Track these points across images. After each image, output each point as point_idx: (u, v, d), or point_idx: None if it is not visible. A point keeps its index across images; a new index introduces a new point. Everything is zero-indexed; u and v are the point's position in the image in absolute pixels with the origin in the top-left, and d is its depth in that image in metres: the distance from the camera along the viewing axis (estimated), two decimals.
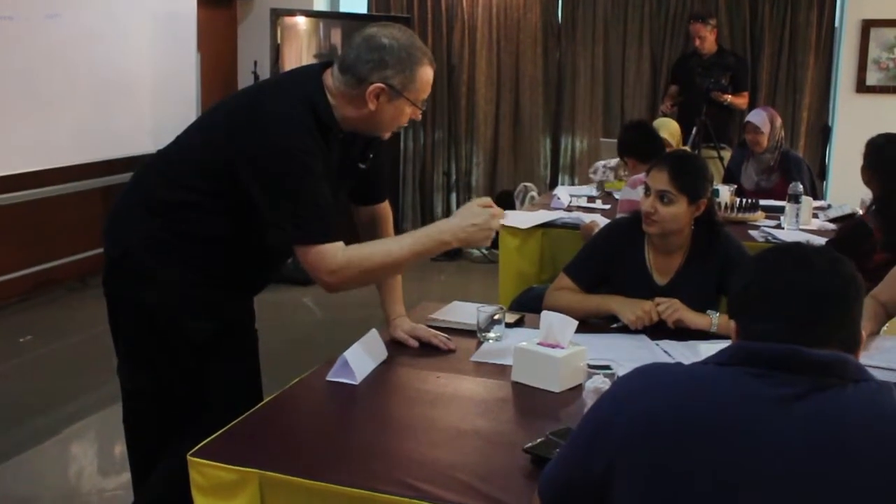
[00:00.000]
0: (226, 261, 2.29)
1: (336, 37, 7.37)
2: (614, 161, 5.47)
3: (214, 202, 2.23)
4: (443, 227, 2.24)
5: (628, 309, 2.68)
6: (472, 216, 2.22)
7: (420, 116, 2.30)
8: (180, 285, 2.29)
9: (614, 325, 2.72)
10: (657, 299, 2.68)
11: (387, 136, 2.34)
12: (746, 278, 1.41)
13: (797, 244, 1.44)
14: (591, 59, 7.55)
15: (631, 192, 4.05)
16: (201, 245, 2.28)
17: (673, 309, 2.64)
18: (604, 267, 2.92)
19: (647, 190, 2.82)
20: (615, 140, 5.03)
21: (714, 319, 2.63)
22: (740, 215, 4.63)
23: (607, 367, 2.05)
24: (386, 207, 2.63)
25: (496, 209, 2.23)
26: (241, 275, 2.35)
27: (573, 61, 7.61)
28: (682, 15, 7.29)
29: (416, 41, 2.22)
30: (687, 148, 5.60)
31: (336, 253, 2.14)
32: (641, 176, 3.43)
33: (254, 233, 2.23)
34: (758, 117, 5.39)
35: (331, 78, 2.23)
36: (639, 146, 4.59)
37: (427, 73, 2.22)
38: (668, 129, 5.34)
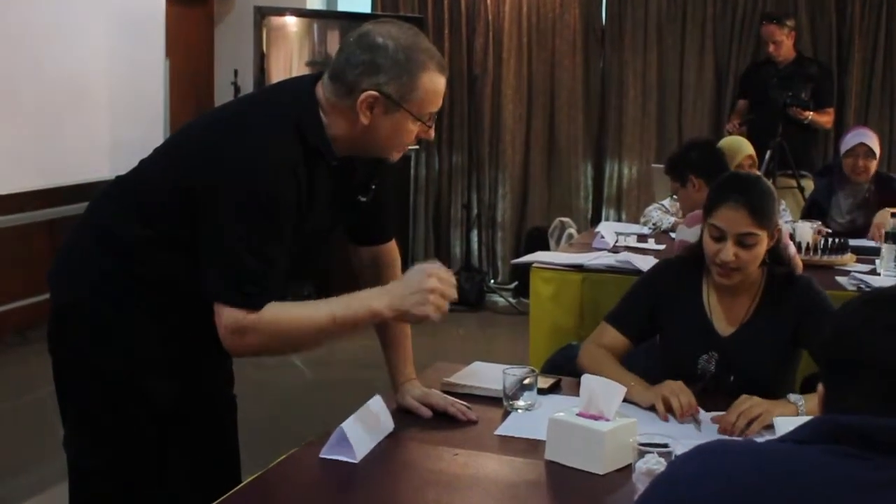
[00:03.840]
0: (196, 311, 2.29)
1: (333, 41, 7.43)
2: (668, 200, 5.44)
3: (182, 241, 2.24)
4: (374, 291, 2.24)
5: (641, 397, 2.57)
6: (405, 279, 2.23)
7: (431, 135, 2.29)
8: (141, 340, 2.30)
9: None
10: (734, 407, 2.46)
11: (395, 157, 2.34)
12: (841, 330, 1.39)
13: None
14: (643, 68, 7.60)
15: (687, 231, 4.03)
16: (167, 291, 2.29)
17: (750, 415, 2.40)
18: (653, 313, 2.89)
19: (718, 234, 2.75)
20: None
21: (801, 408, 2.45)
22: (826, 258, 4.60)
23: (663, 445, 2.04)
24: (392, 248, 2.64)
25: (435, 268, 2.21)
26: (215, 328, 2.36)
27: (620, 71, 7.66)
28: (753, 15, 7.34)
29: (421, 41, 2.21)
30: (759, 172, 5.57)
31: (249, 312, 2.16)
32: (699, 212, 3.41)
33: None
34: (870, 138, 5.36)
35: (322, 88, 2.24)
36: (711, 164, 4.46)
37: (433, 81, 2.20)
38: (745, 152, 5.23)
